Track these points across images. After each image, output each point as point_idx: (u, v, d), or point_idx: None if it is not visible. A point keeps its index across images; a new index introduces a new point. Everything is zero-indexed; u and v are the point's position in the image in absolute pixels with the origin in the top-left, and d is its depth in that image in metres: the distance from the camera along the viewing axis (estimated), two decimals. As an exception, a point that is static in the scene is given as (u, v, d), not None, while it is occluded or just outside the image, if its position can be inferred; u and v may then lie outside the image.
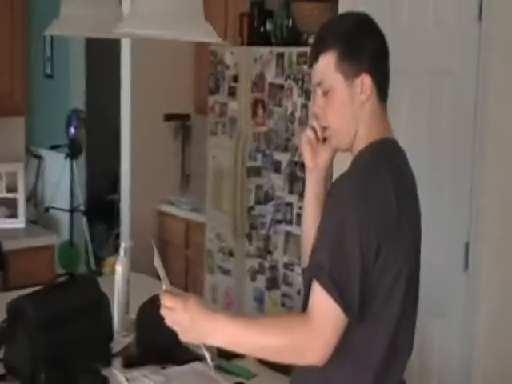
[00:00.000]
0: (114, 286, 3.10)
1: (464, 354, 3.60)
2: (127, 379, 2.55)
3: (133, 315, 2.99)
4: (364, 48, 2.12)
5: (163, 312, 2.08)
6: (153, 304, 2.87)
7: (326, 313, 1.92)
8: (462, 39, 3.61)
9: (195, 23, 2.77)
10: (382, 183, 2.02)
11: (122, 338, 2.97)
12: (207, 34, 2.83)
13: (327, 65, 2.12)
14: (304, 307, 2.04)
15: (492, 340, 3.51)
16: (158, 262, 2.20)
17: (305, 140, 2.33)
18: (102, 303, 2.80)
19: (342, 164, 2.21)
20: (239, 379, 2.65)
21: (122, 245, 3.22)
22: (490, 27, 3.46)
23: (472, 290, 3.58)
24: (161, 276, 2.19)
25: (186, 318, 2.04)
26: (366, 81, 2.09)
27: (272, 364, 2.50)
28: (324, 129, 2.23)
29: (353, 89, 2.10)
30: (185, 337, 2.10)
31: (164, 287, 2.17)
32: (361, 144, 2.15)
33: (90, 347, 2.65)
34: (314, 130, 2.29)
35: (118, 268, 3.12)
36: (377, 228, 1.96)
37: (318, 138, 2.30)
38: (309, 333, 1.93)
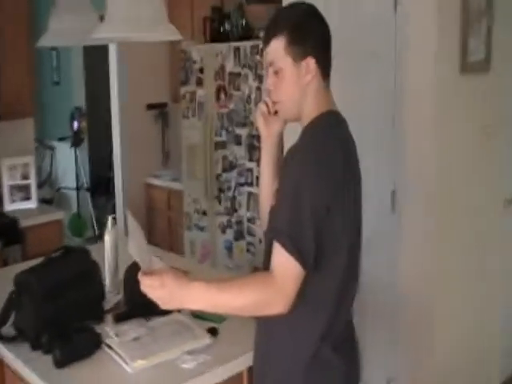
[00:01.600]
0: (104, 253, 2.81)
1: (391, 278, 3.54)
2: (116, 334, 2.30)
3: (122, 276, 2.70)
4: (310, 34, 1.93)
5: (143, 289, 1.83)
6: (136, 265, 2.64)
7: (287, 269, 1.75)
8: (382, 24, 3.48)
9: (160, 25, 2.60)
10: (330, 151, 1.84)
11: (114, 297, 2.70)
12: (171, 33, 2.66)
13: (277, 48, 1.93)
14: (266, 264, 1.87)
15: (412, 263, 3.45)
16: (133, 246, 1.89)
17: (258, 113, 2.17)
18: (93, 270, 2.54)
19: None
20: (212, 324, 2.42)
21: (109, 218, 2.92)
22: (403, 17, 3.34)
23: (398, 227, 3.50)
24: (136, 259, 1.89)
25: (164, 293, 1.80)
26: (310, 63, 1.92)
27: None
28: (274, 103, 2.05)
29: (299, 69, 1.93)
30: (166, 307, 1.86)
31: (141, 267, 1.87)
32: (309, 115, 1.96)
33: (85, 308, 2.42)
34: (266, 104, 2.13)
35: (107, 238, 2.84)
36: (326, 191, 1.80)
37: (269, 111, 2.12)
38: (274, 289, 1.76)
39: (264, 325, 2.01)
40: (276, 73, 1.95)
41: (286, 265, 1.74)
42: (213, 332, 2.32)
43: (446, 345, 3.52)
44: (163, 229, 5.89)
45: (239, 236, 4.65)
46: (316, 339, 1.88)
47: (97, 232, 7.32)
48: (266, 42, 1.97)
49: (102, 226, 7.00)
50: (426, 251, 3.39)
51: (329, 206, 1.78)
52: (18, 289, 2.34)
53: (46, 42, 3.15)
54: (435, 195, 3.35)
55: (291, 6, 2.06)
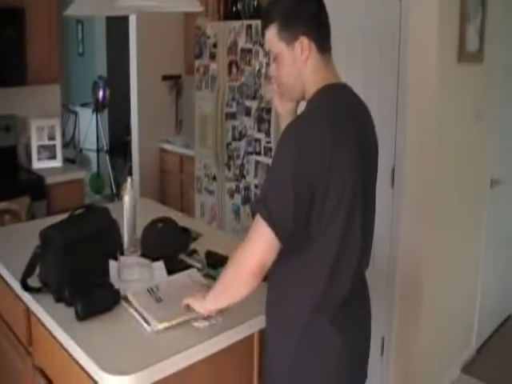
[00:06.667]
0: (123, 212, 2.67)
1: (389, 248, 3.52)
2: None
3: (139, 233, 2.61)
4: (298, 15, 1.83)
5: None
6: (153, 225, 2.56)
7: (259, 231, 1.68)
8: (387, 12, 3.36)
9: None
10: (316, 131, 1.70)
11: (132, 253, 2.57)
12: (192, 4, 2.56)
13: (271, 37, 1.87)
14: None
15: (407, 236, 3.40)
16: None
17: (272, 92, 2.10)
18: (112, 228, 2.41)
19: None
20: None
21: (129, 179, 2.73)
22: (407, 4, 3.23)
23: (396, 201, 3.44)
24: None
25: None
26: (303, 42, 1.82)
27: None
28: (279, 86, 1.98)
29: (294, 51, 1.84)
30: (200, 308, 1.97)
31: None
32: (309, 92, 1.87)
33: (105, 264, 2.30)
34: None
35: (126, 197, 2.68)
36: (309, 170, 1.67)
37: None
38: (244, 246, 1.72)
39: (268, 294, 1.94)
40: (275, 59, 1.88)
41: (260, 228, 1.67)
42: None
43: (431, 308, 3.48)
44: (175, 191, 5.78)
45: (246, 201, 4.53)
46: (309, 311, 1.79)
47: (114, 190, 7.25)
48: (262, 33, 1.91)
49: (119, 185, 7.00)
50: (419, 225, 3.32)
51: (312, 184, 1.66)
52: (42, 243, 2.24)
53: (72, 11, 2.98)
54: (431, 173, 3.26)
55: None
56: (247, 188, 4.50)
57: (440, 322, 3.63)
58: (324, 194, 1.67)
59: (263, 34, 1.90)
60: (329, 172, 1.66)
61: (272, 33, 1.84)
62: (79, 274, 2.16)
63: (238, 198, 4.62)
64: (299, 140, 1.68)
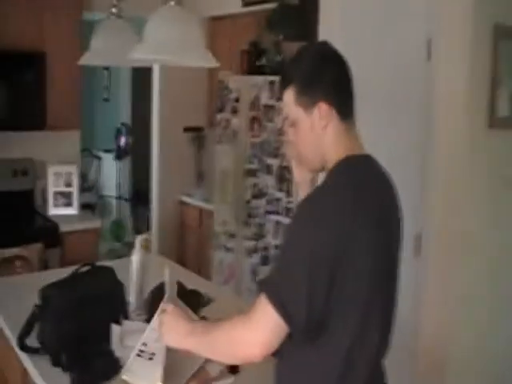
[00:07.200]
0: (130, 273, 2.54)
1: (411, 323, 3.31)
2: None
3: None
4: (318, 79, 1.66)
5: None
6: (160, 289, 2.44)
7: (264, 315, 1.48)
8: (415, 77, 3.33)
9: (196, 50, 2.39)
10: (336, 208, 1.52)
11: (138, 317, 2.43)
12: (206, 60, 2.46)
13: (289, 101, 1.70)
14: None
15: (434, 308, 3.25)
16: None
17: (290, 157, 1.98)
18: (117, 290, 2.32)
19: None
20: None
21: (138, 238, 2.62)
22: (435, 69, 3.20)
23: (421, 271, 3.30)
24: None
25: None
26: (322, 108, 1.65)
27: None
28: (296, 154, 1.81)
29: (313, 117, 1.66)
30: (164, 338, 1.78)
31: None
32: (330, 163, 1.68)
33: (107, 330, 2.16)
34: None
35: (134, 258, 2.55)
36: (327, 254, 1.47)
37: None
38: (245, 329, 1.52)
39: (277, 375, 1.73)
40: (292, 125, 1.72)
41: (264, 310, 1.48)
42: (234, 371, 2.05)
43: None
44: (193, 245, 5.66)
45: (265, 261, 4.39)
46: None
47: (134, 238, 7.16)
48: (280, 96, 1.75)
49: (139, 233, 6.87)
50: (450, 298, 3.17)
51: (332, 270, 1.48)
52: (41, 303, 2.15)
53: (86, 60, 3.00)
54: (460, 242, 3.14)
55: (301, 52, 1.77)
56: (266, 248, 4.38)
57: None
58: (343, 274, 1.49)
59: (280, 97, 1.75)
60: (350, 256, 1.50)
61: (289, 96, 1.69)
62: (78, 338, 2.06)
63: (256, 258, 4.48)
64: (316, 220, 1.51)
